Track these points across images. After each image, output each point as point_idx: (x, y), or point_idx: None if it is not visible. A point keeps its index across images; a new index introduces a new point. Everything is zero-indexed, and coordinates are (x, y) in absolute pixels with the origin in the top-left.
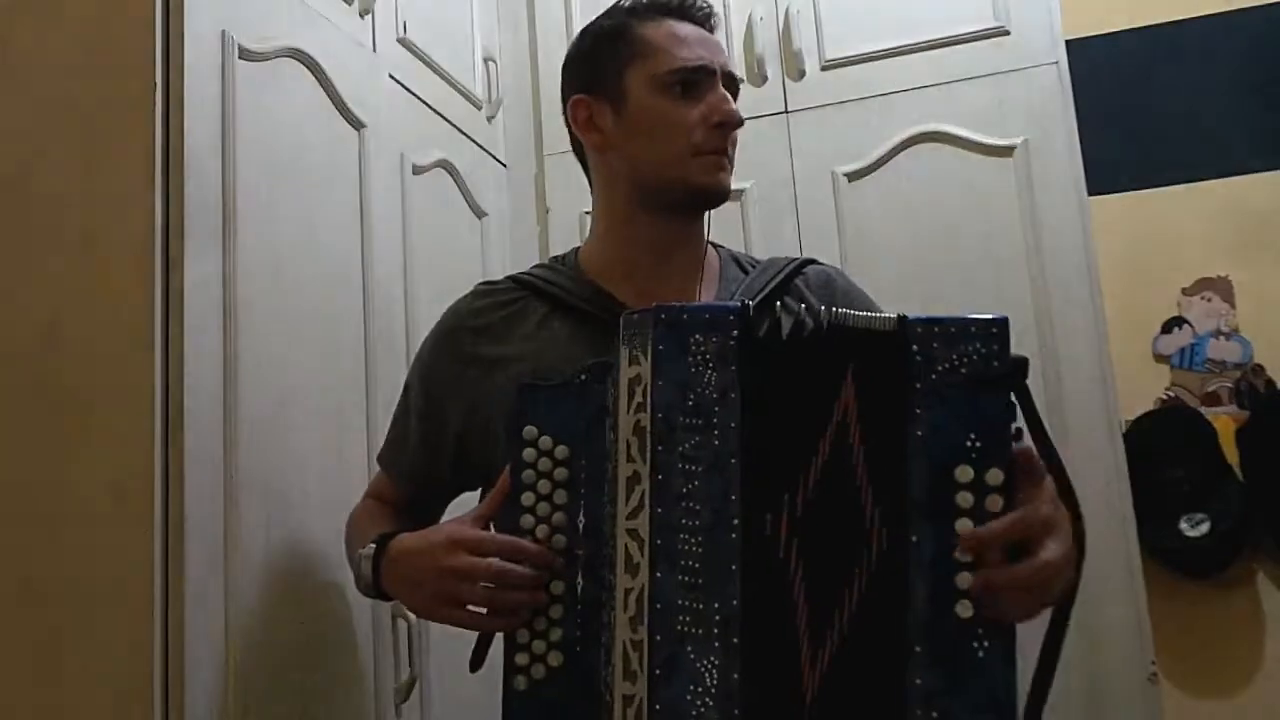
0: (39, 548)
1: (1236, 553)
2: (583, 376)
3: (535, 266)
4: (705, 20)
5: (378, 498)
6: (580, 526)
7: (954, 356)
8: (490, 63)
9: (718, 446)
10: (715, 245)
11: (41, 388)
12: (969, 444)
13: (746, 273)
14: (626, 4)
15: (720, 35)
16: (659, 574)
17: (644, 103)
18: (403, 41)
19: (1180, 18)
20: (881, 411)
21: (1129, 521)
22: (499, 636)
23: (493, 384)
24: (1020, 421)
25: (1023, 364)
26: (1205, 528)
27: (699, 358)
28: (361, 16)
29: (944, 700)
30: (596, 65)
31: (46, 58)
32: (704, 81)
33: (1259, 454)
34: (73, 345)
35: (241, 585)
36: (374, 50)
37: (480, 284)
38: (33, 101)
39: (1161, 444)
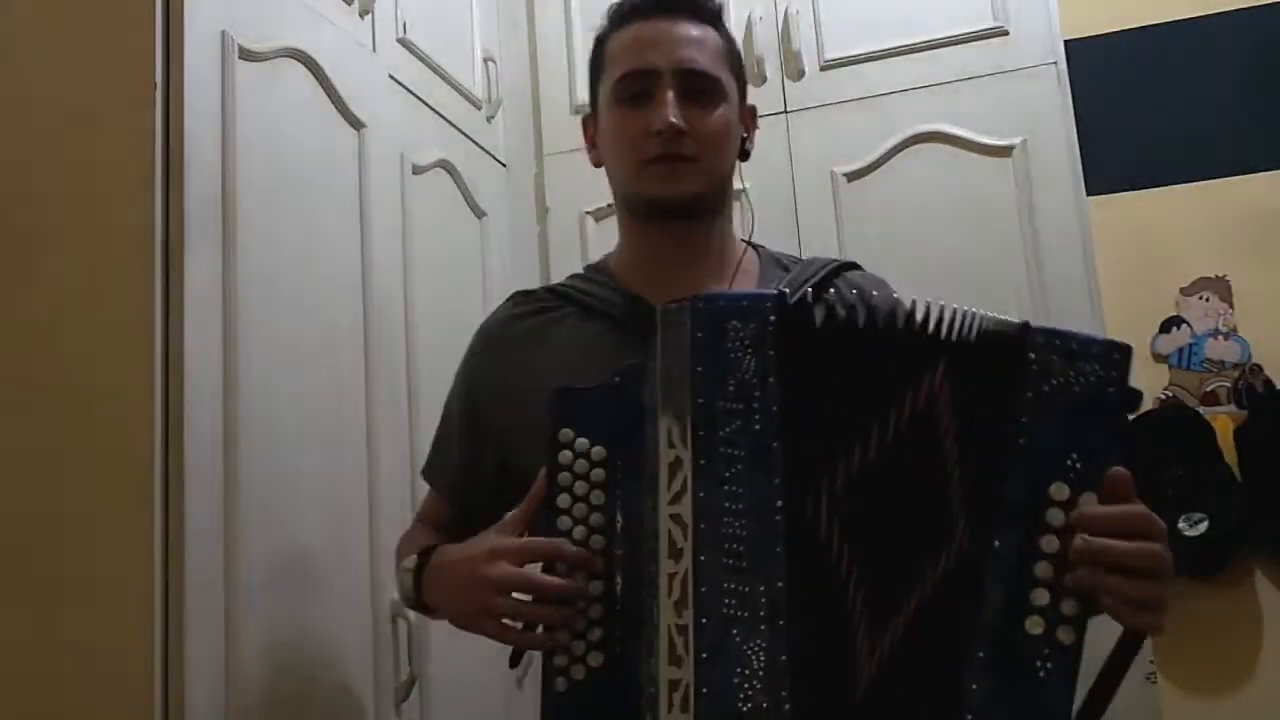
0: (39, 548)
1: (1235, 552)
2: (617, 378)
3: (569, 276)
4: (681, 10)
5: (426, 520)
6: (618, 526)
7: (1071, 373)
8: (490, 63)
9: (759, 431)
10: (756, 246)
11: (41, 388)
12: (1069, 463)
13: (788, 271)
14: (612, 8)
15: (703, 27)
16: (703, 557)
17: (607, 116)
18: (402, 41)
19: (1179, 18)
20: (981, 410)
21: None
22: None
23: (530, 391)
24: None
25: (1137, 396)
26: (1204, 527)
27: (737, 343)
28: (361, 16)
29: (995, 710)
30: (590, 80)
31: (46, 58)
32: (650, 87)
33: (1257, 453)
34: (73, 345)
35: (241, 586)
36: (374, 50)
37: (515, 293)
38: (33, 101)
39: (1160, 443)
